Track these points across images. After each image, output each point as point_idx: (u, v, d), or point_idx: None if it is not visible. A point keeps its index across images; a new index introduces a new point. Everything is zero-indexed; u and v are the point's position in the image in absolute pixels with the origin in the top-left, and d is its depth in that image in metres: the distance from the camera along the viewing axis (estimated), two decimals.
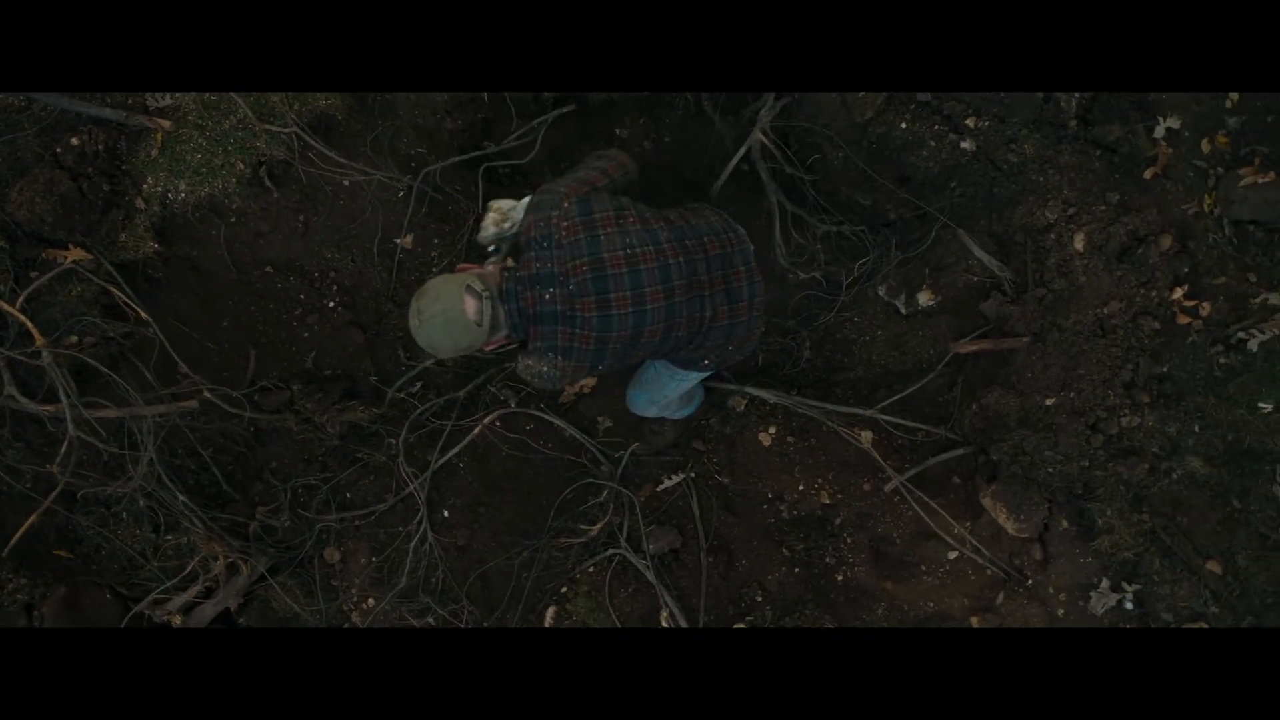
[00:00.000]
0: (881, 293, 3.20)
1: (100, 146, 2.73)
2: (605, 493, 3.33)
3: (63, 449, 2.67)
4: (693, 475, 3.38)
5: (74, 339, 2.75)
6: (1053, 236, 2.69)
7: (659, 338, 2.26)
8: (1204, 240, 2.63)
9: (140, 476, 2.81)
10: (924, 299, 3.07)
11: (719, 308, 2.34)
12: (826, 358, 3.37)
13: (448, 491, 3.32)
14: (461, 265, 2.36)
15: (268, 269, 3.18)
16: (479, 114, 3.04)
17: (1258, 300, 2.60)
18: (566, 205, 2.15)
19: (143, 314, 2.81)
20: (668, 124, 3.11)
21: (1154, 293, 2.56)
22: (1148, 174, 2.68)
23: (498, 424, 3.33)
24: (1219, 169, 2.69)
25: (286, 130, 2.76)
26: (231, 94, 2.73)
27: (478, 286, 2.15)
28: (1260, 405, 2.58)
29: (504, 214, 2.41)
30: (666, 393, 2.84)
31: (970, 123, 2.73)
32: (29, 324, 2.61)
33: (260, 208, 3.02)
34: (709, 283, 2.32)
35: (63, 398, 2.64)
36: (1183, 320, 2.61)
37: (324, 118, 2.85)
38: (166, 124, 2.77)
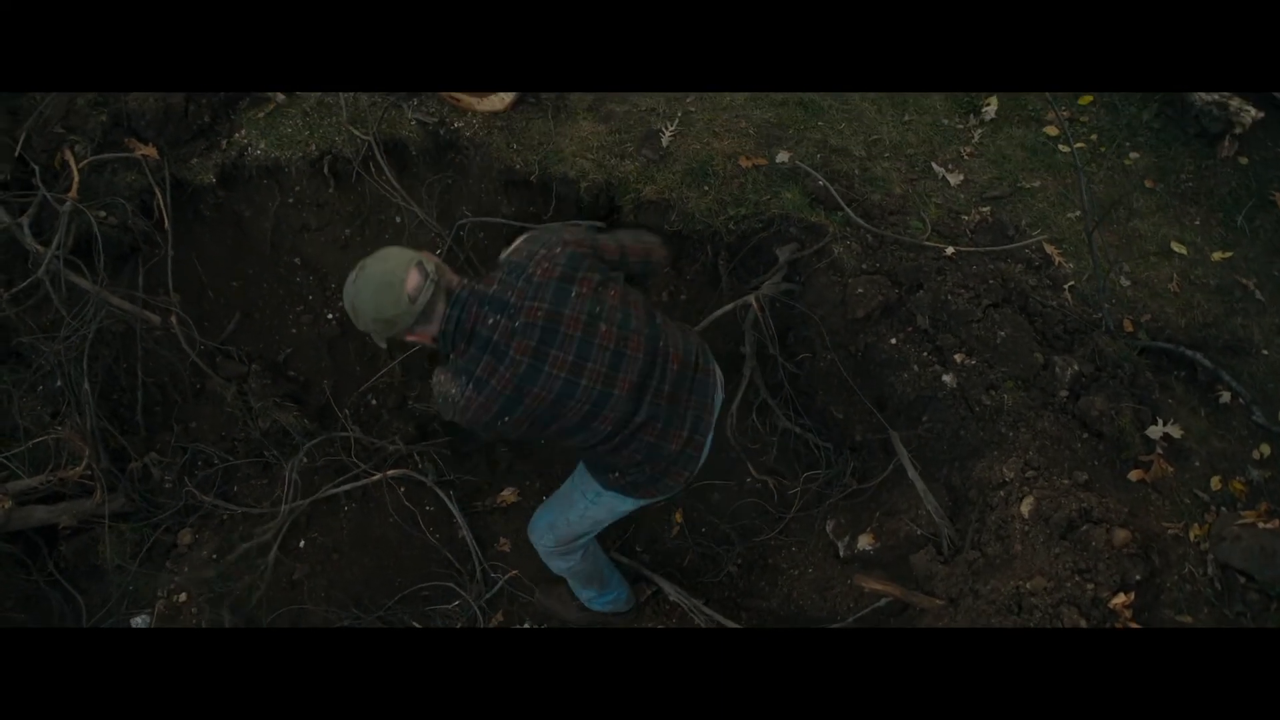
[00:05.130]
0: (829, 529, 2.86)
1: (223, 93, 3.19)
2: (456, 603, 2.98)
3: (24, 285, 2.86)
4: None
5: (101, 213, 3.01)
6: (1002, 494, 2.33)
7: (578, 419, 2.10)
8: (1178, 568, 2.17)
9: (63, 341, 2.91)
10: (864, 542, 2.70)
11: (654, 420, 2.19)
12: (751, 580, 2.97)
13: (317, 526, 3.12)
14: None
15: (296, 260, 3.40)
16: (531, 206, 3.24)
17: None
18: (558, 251, 2.05)
19: (167, 223, 3.06)
20: (688, 279, 3.14)
21: (1090, 586, 2.09)
22: (1133, 475, 2.32)
23: (402, 488, 3.15)
24: (1222, 508, 2.28)
25: (364, 137, 3.09)
26: (339, 94, 3.14)
27: (429, 266, 2.03)
28: None
29: None
30: (571, 515, 2.54)
31: (958, 358, 2.53)
32: (76, 176, 2.93)
33: (317, 201, 3.31)
34: (655, 391, 2.18)
35: (52, 246, 2.86)
36: None
37: (399, 144, 3.17)
38: (281, 97, 3.21)
